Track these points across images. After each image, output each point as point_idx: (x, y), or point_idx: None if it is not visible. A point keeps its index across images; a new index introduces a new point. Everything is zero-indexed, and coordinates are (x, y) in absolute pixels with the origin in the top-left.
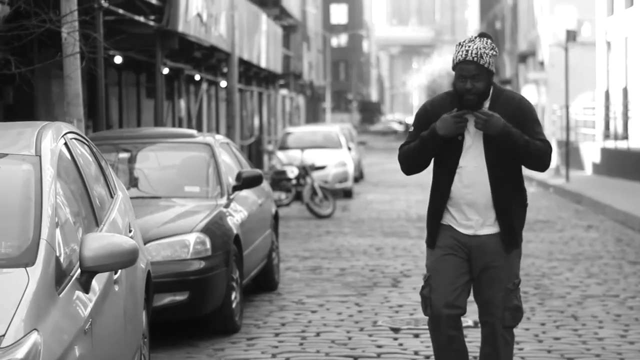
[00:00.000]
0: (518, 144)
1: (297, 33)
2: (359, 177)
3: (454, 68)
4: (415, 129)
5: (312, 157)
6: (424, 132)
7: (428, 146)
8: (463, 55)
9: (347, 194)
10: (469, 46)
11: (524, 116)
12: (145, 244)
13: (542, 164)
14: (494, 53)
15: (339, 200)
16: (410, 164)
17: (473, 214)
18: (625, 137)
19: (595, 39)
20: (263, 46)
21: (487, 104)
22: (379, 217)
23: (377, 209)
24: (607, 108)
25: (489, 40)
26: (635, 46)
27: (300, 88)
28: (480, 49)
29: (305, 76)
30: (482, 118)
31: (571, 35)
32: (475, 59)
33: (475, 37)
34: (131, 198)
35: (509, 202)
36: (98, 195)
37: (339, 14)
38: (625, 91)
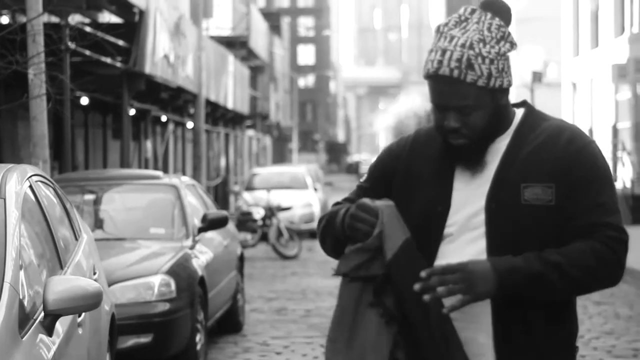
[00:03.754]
0: (543, 284)
1: (264, 74)
2: None
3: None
4: (367, 180)
5: (278, 197)
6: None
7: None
8: (435, 65)
9: (313, 234)
10: (449, 40)
11: (576, 174)
12: (110, 285)
13: (600, 283)
14: (507, 48)
15: (305, 241)
16: (324, 243)
17: None
18: None
19: (561, 80)
20: (230, 87)
21: (504, 142)
22: None
23: None
24: None
25: (496, 20)
26: (601, 87)
27: (267, 129)
28: (469, 45)
29: (272, 117)
30: (452, 282)
31: (537, 77)
32: (457, 72)
33: (470, 14)
34: (96, 240)
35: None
36: (62, 237)
37: (306, 55)
38: (590, 132)
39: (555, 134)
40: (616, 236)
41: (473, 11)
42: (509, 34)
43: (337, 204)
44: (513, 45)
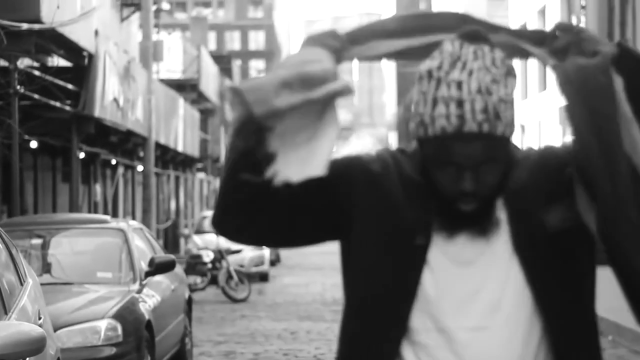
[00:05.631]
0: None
1: (215, 117)
2: (275, 261)
3: (422, 139)
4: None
5: (228, 240)
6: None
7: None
8: (454, 122)
9: (263, 277)
10: (457, 87)
11: (548, 163)
12: (56, 330)
13: None
14: (514, 83)
15: (254, 284)
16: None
17: None
18: None
19: None
20: (180, 130)
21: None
22: (295, 301)
23: (293, 292)
24: None
25: (496, 51)
26: (549, 130)
27: (218, 171)
28: (486, 90)
29: (223, 159)
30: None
31: None
32: (487, 127)
33: (461, 48)
34: (44, 284)
35: None
36: (7, 282)
37: None
38: None
39: (536, 157)
40: None
41: (462, 45)
42: (512, 65)
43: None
44: (515, 77)
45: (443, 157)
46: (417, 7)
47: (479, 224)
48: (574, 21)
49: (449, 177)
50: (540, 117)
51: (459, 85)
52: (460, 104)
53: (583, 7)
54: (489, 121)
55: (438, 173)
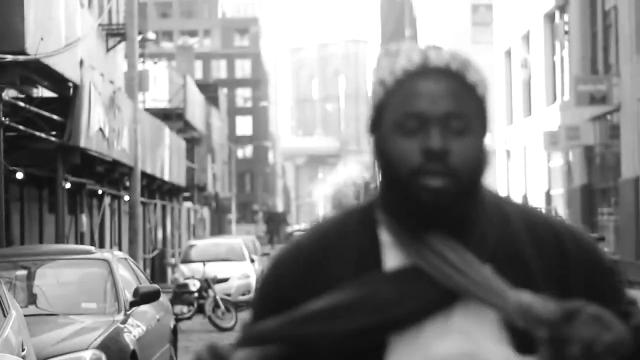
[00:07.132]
0: None
1: (202, 145)
2: None
3: (382, 102)
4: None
5: (214, 269)
6: None
7: None
8: (417, 59)
9: (250, 306)
10: (426, 50)
11: (601, 287)
12: None
13: None
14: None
15: (241, 313)
16: None
17: None
18: None
19: (495, 147)
20: (166, 159)
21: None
22: None
23: None
24: None
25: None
26: (534, 155)
27: (204, 200)
28: (457, 54)
29: (209, 188)
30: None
31: None
32: (455, 65)
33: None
34: (29, 315)
35: None
36: None
37: (244, 126)
38: (525, 199)
39: (537, 223)
40: None
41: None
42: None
43: None
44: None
45: (404, 106)
46: (402, 33)
47: (452, 218)
48: (557, 46)
49: (412, 142)
50: (525, 142)
51: (425, 49)
52: (424, 53)
53: (566, 33)
54: (456, 61)
55: (397, 141)
